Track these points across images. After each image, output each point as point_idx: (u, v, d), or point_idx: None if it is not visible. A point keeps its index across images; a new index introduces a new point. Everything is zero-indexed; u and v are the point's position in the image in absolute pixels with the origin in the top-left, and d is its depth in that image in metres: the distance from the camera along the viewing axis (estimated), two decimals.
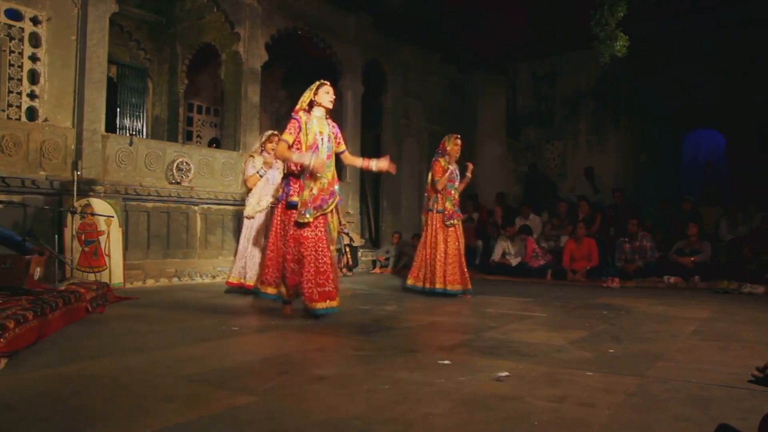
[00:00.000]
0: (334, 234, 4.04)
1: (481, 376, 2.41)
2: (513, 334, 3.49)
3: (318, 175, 3.83)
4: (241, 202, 7.27)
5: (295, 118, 3.85)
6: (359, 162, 4.22)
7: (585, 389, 2.21)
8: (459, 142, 5.60)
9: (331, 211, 3.95)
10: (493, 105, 11.49)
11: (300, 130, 3.82)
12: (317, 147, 3.83)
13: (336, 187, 3.98)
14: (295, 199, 3.84)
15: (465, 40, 10.11)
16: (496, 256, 8.43)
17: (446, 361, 2.66)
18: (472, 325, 3.95)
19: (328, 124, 3.98)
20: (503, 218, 9.16)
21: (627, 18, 6.47)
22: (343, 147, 4.10)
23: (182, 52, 8.38)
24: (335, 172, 4.03)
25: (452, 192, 5.56)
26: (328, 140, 3.92)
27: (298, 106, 3.95)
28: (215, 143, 8.98)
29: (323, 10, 8.44)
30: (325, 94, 3.93)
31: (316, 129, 3.87)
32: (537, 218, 9.35)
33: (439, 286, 5.44)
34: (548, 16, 9.06)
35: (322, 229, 3.87)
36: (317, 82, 3.98)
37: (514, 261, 8.35)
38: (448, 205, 5.54)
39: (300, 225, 3.81)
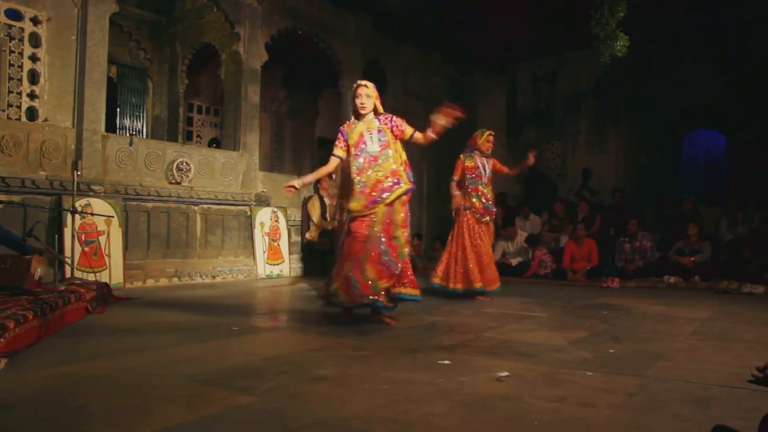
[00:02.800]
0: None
1: (481, 376, 2.41)
2: (513, 334, 3.49)
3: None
4: (242, 203, 7.28)
5: (339, 131, 3.92)
6: (430, 134, 3.93)
7: (585, 389, 2.21)
8: (492, 138, 5.52)
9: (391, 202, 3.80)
10: (493, 105, 11.48)
11: (345, 138, 3.85)
12: (364, 143, 3.81)
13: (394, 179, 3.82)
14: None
15: (465, 40, 10.11)
16: (497, 256, 8.39)
17: (446, 361, 2.66)
18: (472, 325, 3.94)
19: (379, 120, 3.89)
20: (503, 219, 9.15)
21: (627, 18, 6.48)
22: (409, 131, 3.94)
23: (182, 52, 8.38)
24: (398, 163, 3.87)
25: (479, 188, 5.37)
26: (378, 133, 3.84)
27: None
28: (215, 143, 8.99)
29: (323, 10, 8.44)
30: (355, 99, 3.87)
31: (362, 128, 3.85)
32: (537, 218, 9.35)
33: (478, 285, 5.21)
34: (548, 16, 9.06)
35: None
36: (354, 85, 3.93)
37: (514, 261, 8.34)
38: (475, 201, 5.37)
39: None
